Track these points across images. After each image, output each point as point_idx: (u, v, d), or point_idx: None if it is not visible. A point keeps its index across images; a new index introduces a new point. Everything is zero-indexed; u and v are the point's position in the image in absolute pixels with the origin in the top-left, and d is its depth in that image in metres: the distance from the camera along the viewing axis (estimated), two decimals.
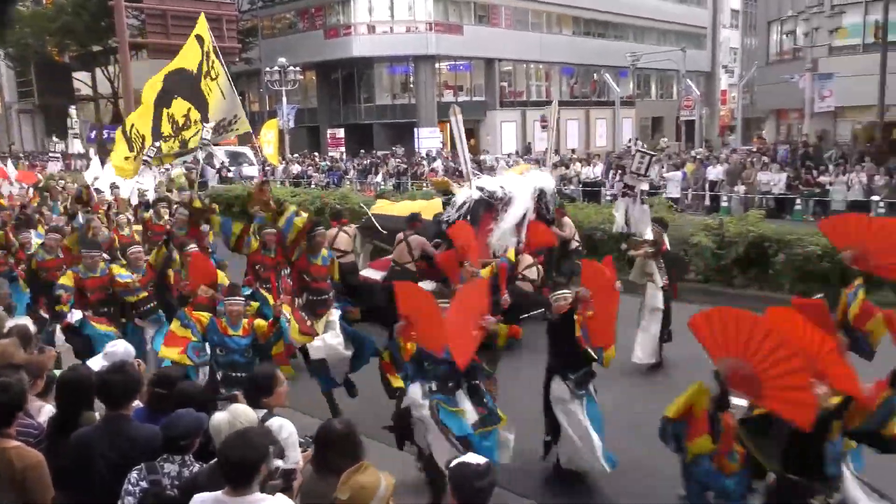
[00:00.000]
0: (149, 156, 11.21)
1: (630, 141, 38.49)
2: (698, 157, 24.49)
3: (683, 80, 40.41)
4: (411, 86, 40.29)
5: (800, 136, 26.55)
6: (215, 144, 19.13)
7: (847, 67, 25.05)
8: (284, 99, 32.87)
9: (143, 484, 3.41)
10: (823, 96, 24.46)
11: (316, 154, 34.49)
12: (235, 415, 3.63)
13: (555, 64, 45.25)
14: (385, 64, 40.44)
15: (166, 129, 11.07)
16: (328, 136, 37.30)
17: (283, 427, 3.99)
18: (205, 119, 10.65)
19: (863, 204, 18.75)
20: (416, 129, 36.52)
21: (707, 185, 21.79)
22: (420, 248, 9.32)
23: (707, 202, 21.28)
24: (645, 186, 8.38)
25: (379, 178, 27.53)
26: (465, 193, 9.83)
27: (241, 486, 3.03)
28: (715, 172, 21.93)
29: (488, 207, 9.68)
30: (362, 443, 3.51)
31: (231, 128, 11.28)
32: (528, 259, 8.99)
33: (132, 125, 11.60)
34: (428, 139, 35.14)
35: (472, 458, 3.08)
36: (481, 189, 9.76)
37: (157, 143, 11.13)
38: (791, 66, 28.21)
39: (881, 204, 18.50)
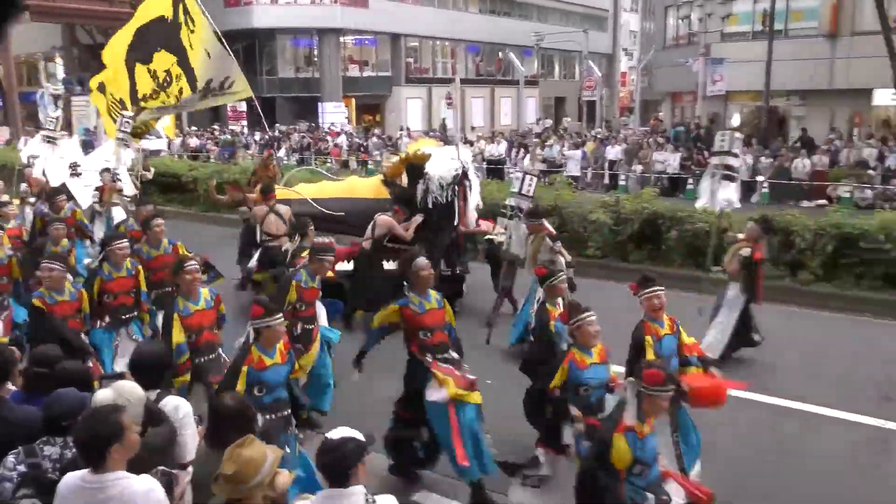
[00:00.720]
0: (123, 130, 10.23)
1: (537, 122, 39.22)
2: (598, 136, 25.16)
3: (585, 62, 41.35)
4: (315, 59, 39.44)
5: (693, 118, 27.66)
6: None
7: (737, 53, 26.23)
8: None
9: (21, 468, 3.24)
10: (715, 80, 25.53)
11: (215, 127, 33.31)
12: (120, 392, 3.48)
13: (461, 41, 45.30)
14: (288, 36, 39.36)
15: (145, 86, 10.13)
16: (228, 108, 36.08)
17: (179, 407, 3.90)
18: (191, 79, 9.69)
19: (749, 184, 19.78)
20: (320, 104, 35.85)
21: (606, 165, 22.45)
22: (386, 228, 8.61)
23: (606, 181, 21.93)
24: (527, 205, 8.23)
25: (282, 152, 26.88)
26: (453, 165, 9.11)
27: (97, 465, 2.95)
28: (613, 152, 22.61)
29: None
30: (255, 417, 3.45)
31: (224, 91, 10.24)
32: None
33: (108, 91, 10.77)
34: (333, 114, 34.60)
35: (337, 432, 3.08)
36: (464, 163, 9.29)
37: (129, 112, 10.24)
38: (686, 51, 29.30)
39: (765, 184, 19.57)
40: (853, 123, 25.32)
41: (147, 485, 3.03)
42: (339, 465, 2.99)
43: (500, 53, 46.49)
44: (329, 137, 28.52)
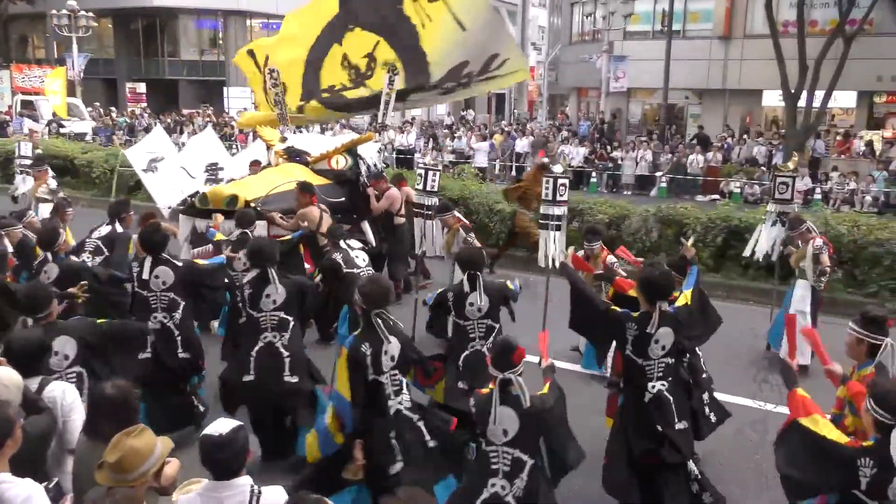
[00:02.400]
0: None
1: (447, 114, 39.35)
2: (505, 129, 25.56)
3: None
4: (220, 42, 38.27)
5: (598, 113, 28.49)
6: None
7: (639, 52, 27.18)
8: (75, 47, 29.88)
9: None
10: (618, 77, 26.38)
11: (113, 109, 31.85)
12: None
13: None
14: (191, 17, 38.04)
15: (337, 77, 7.85)
16: (127, 90, 34.59)
17: (66, 391, 3.80)
18: (415, 65, 7.05)
19: (649, 178, 20.58)
20: (225, 88, 34.82)
21: (514, 157, 22.84)
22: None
23: (513, 172, 22.32)
24: (434, 201, 7.76)
25: (184, 137, 25.99)
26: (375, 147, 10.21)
27: None
28: (521, 144, 23.04)
29: None
30: (138, 408, 3.35)
31: (490, 74, 7.49)
32: None
33: (270, 68, 8.73)
34: (238, 99, 33.60)
35: (217, 426, 3.04)
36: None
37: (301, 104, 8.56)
38: (591, 47, 30.12)
39: (663, 179, 20.40)
40: (745, 122, 26.70)
41: (27, 490, 2.88)
42: (231, 462, 2.94)
43: None
44: (234, 123, 27.73)
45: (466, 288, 5.30)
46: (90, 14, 30.52)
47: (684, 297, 4.67)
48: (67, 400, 3.76)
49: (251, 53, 9.47)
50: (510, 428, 3.64)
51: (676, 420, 4.45)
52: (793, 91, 19.15)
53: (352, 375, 4.15)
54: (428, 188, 7.66)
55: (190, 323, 5.78)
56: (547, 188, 7.15)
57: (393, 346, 4.27)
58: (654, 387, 4.42)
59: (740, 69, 25.66)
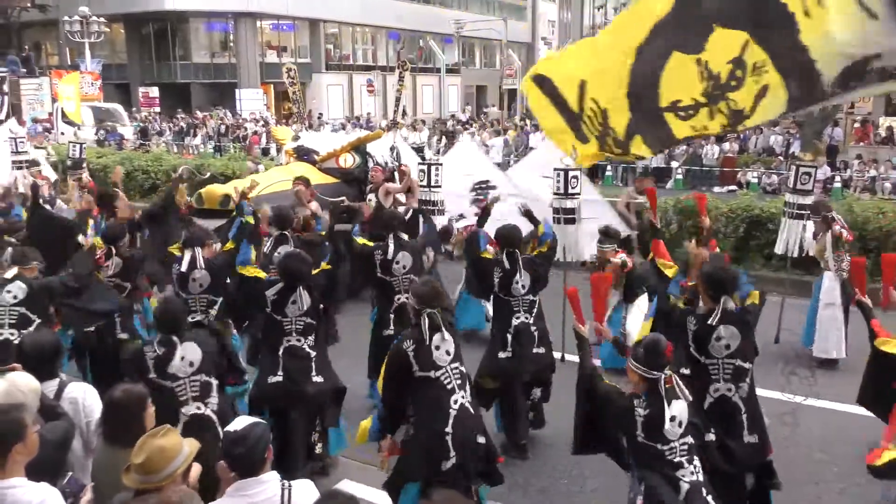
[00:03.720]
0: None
1: (462, 110, 39.26)
2: (518, 124, 25.42)
3: (506, 50, 41.68)
4: (231, 44, 38.36)
5: None
6: None
7: None
8: (88, 52, 30.09)
9: None
10: None
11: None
12: (13, 383, 3.27)
13: (381, 28, 44.91)
14: (202, 20, 38.15)
15: (686, 91, 6.05)
16: (140, 94, 34.73)
17: (87, 392, 3.80)
18: (800, 68, 5.33)
19: (665, 170, 20.37)
20: (237, 90, 34.93)
21: (528, 152, 22.66)
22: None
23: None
24: (441, 197, 7.98)
25: (198, 139, 26.11)
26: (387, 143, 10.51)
27: None
28: (535, 139, 22.87)
29: None
30: (143, 410, 3.29)
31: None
32: None
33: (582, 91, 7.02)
34: (250, 101, 33.75)
35: (235, 423, 3.00)
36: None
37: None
38: None
39: (679, 171, 20.19)
40: None
41: (41, 495, 2.82)
42: (251, 455, 2.88)
43: (421, 41, 46.32)
44: (247, 125, 27.82)
45: (507, 265, 5.51)
46: (102, 20, 30.73)
47: (752, 296, 4.51)
48: (88, 401, 3.76)
49: (539, 79, 7.81)
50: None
51: (746, 432, 4.29)
52: None
53: (388, 371, 4.18)
54: (432, 184, 7.66)
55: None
56: (559, 181, 7.15)
57: (447, 343, 4.20)
58: (716, 389, 4.27)
59: None
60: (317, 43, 40.69)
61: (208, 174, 11.65)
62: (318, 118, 28.77)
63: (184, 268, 5.53)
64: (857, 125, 22.89)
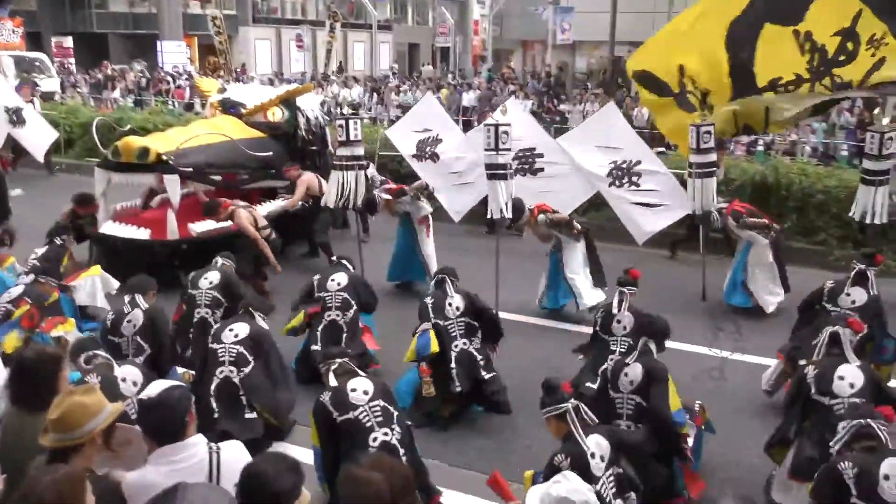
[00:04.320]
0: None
1: (391, 71, 38.57)
2: (451, 83, 25.15)
3: (438, 7, 41.05)
4: None
5: (544, 66, 28.25)
6: None
7: (585, 3, 26.93)
8: None
9: None
10: (563, 30, 26.14)
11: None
12: None
13: None
14: None
15: (786, 66, 6.00)
16: (53, 44, 32.75)
17: None
18: None
19: None
20: (159, 42, 33.31)
21: (460, 111, 22.50)
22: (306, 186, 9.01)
23: (460, 126, 21.97)
24: (360, 151, 7.62)
25: (116, 93, 24.86)
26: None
27: None
28: (468, 98, 22.70)
29: None
30: (59, 371, 3.07)
31: None
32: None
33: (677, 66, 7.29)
34: (173, 53, 32.23)
35: (149, 390, 2.87)
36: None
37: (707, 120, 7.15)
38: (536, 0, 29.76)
39: None
40: None
41: None
42: (167, 420, 2.72)
43: None
44: (170, 78, 26.63)
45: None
46: None
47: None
48: None
49: (639, 76, 8.18)
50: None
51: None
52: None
53: (315, 425, 4.21)
54: (351, 138, 7.47)
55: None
56: (489, 137, 7.16)
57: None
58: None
59: None
60: None
61: (128, 127, 11.10)
62: (242, 71, 27.72)
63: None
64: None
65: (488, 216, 7.60)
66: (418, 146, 9.17)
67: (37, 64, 24.86)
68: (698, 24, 7.08)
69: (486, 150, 7.37)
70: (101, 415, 2.63)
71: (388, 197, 8.15)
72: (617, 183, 8.42)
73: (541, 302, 7.70)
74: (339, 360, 4.25)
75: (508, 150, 7.39)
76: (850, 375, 4.20)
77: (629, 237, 8.71)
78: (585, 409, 3.77)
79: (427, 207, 8.27)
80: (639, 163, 8.30)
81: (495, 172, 7.33)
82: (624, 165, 8.38)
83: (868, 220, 7.53)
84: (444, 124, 9.27)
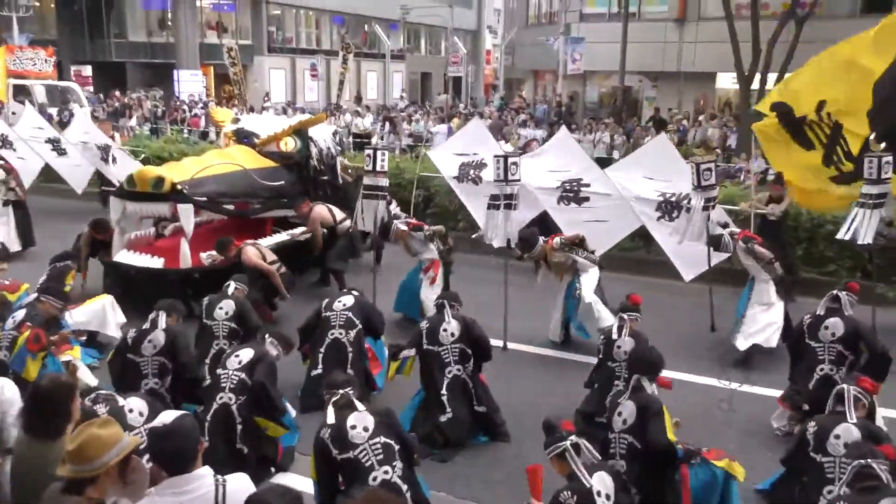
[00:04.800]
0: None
1: (401, 98, 38.94)
2: (463, 112, 25.38)
3: (451, 37, 41.54)
4: (169, 23, 37.18)
5: (555, 96, 28.47)
6: None
7: (595, 34, 27.20)
8: (16, 27, 28.80)
9: None
10: (574, 59, 26.37)
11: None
12: None
13: (325, 11, 44.19)
14: None
15: None
16: (72, 73, 33.36)
17: (5, 387, 3.66)
18: None
19: (606, 160, 20.60)
20: (175, 71, 33.89)
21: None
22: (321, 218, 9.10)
23: None
24: (385, 182, 7.80)
25: (133, 121, 25.22)
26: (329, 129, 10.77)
27: None
28: None
29: None
30: (73, 408, 3.12)
31: None
32: None
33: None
34: (189, 82, 32.79)
35: (162, 418, 2.91)
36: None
37: None
38: (547, 30, 30.08)
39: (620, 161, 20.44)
40: (699, 105, 26.98)
41: None
42: (180, 451, 2.76)
43: (366, 26, 45.75)
44: (186, 107, 27.02)
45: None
46: None
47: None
48: (6, 395, 3.60)
49: (777, 106, 8.21)
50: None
51: None
52: (746, 73, 19.34)
53: (315, 461, 4.22)
54: (378, 169, 7.58)
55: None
56: (498, 168, 7.25)
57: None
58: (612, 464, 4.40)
59: (695, 52, 25.87)
60: (259, 24, 39.77)
61: (142, 157, 11.30)
62: (265, 99, 28.08)
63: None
64: None
65: (495, 244, 7.63)
66: (461, 168, 9.37)
67: (68, 94, 25.04)
68: (854, 61, 7.65)
69: (495, 180, 7.45)
70: (117, 447, 2.68)
71: (405, 228, 8.11)
72: (667, 218, 8.33)
73: (553, 333, 7.68)
74: (341, 391, 4.22)
75: (518, 181, 7.47)
76: (845, 435, 4.16)
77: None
78: (588, 445, 3.78)
79: (434, 253, 8.05)
80: (689, 196, 8.13)
81: (506, 202, 7.40)
82: (673, 199, 8.27)
83: (859, 241, 7.61)
84: (490, 149, 9.26)
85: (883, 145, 7.84)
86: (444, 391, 5.43)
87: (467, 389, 5.52)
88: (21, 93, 24.08)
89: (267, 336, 5.35)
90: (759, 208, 9.00)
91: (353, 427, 4.04)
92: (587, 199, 8.72)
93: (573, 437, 3.70)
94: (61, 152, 12.05)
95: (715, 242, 7.66)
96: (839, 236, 7.88)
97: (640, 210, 8.50)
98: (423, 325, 5.67)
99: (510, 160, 7.35)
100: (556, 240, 7.47)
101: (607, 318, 7.15)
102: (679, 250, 8.38)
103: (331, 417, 4.12)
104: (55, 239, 9.28)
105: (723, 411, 6.24)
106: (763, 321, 7.13)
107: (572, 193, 8.79)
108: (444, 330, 5.55)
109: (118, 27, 37.00)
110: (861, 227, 7.49)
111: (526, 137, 21.36)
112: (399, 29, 44.74)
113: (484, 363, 5.73)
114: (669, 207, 8.32)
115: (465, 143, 9.58)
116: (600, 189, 8.67)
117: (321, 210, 9.07)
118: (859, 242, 7.60)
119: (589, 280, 7.36)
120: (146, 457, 2.93)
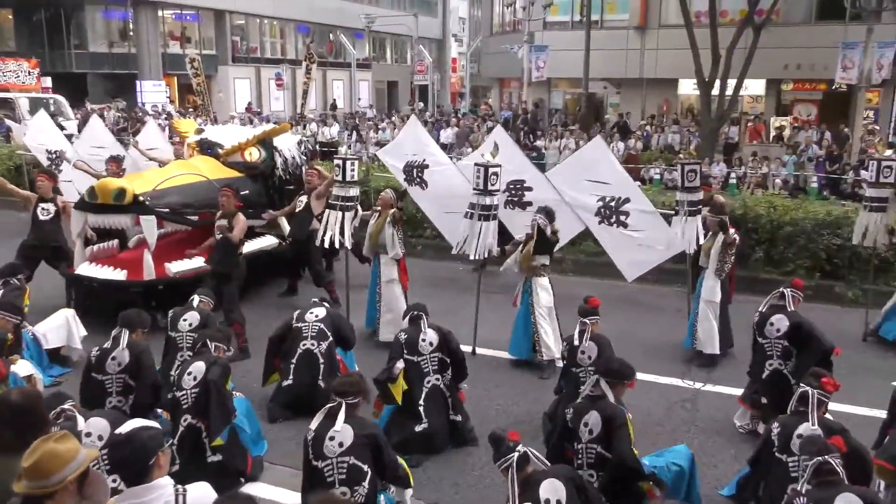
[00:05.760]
0: None
1: (365, 104, 38.89)
2: (429, 120, 25.46)
3: (417, 46, 41.67)
4: (131, 33, 36.75)
5: (521, 103, 28.68)
6: None
7: (559, 42, 27.49)
8: None
9: None
10: (539, 67, 26.59)
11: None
12: None
13: (290, 21, 44.04)
14: (99, 7, 36.37)
15: None
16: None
17: None
18: None
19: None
20: (138, 82, 33.51)
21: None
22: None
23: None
24: (355, 192, 7.57)
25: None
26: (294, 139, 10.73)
27: None
28: (445, 135, 22.98)
29: None
30: (47, 418, 3.09)
31: None
32: None
33: None
34: (152, 93, 32.46)
35: (122, 427, 2.91)
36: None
37: None
38: (512, 38, 30.29)
39: None
40: (661, 110, 27.39)
41: None
42: (135, 459, 2.75)
43: (332, 35, 45.69)
44: (149, 118, 26.68)
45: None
46: None
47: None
48: None
49: None
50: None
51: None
52: (706, 80, 19.70)
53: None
54: (347, 178, 7.50)
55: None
56: (478, 177, 7.17)
57: (430, 335, 5.55)
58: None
59: (657, 59, 26.26)
60: (223, 34, 39.47)
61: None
62: (247, 110, 27.85)
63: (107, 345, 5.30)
64: (750, 124, 24.08)
65: (472, 256, 7.43)
66: (406, 169, 9.26)
67: (52, 105, 23.85)
68: None
69: (474, 190, 7.29)
70: (74, 462, 2.65)
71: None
72: (606, 222, 8.42)
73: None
74: (340, 401, 4.17)
75: (497, 191, 7.34)
76: (807, 435, 4.21)
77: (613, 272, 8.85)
78: (535, 454, 3.77)
79: (400, 249, 7.79)
80: (627, 201, 8.31)
81: (482, 213, 7.21)
82: (612, 203, 8.37)
83: (866, 244, 7.91)
84: (429, 150, 9.29)
85: (889, 151, 8.13)
86: (421, 401, 5.45)
87: (445, 399, 5.56)
88: (4, 106, 23.17)
89: (209, 341, 5.21)
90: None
91: (331, 438, 4.05)
92: (531, 203, 8.60)
93: (520, 448, 3.68)
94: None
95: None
96: (854, 242, 8.14)
97: (582, 212, 8.57)
98: (402, 336, 5.65)
99: (491, 170, 7.18)
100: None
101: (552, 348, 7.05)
102: (620, 251, 8.49)
103: (316, 422, 4.14)
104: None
105: (686, 411, 6.34)
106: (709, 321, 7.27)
107: (516, 198, 8.82)
108: (423, 340, 5.55)
109: (78, 38, 36.47)
110: (688, 233, 7.77)
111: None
112: (364, 38, 44.74)
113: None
114: (608, 212, 8.41)
115: (406, 145, 9.47)
116: (543, 194, 8.59)
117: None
118: (688, 251, 7.86)
119: (545, 296, 7.19)
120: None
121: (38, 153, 11.98)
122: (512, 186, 8.80)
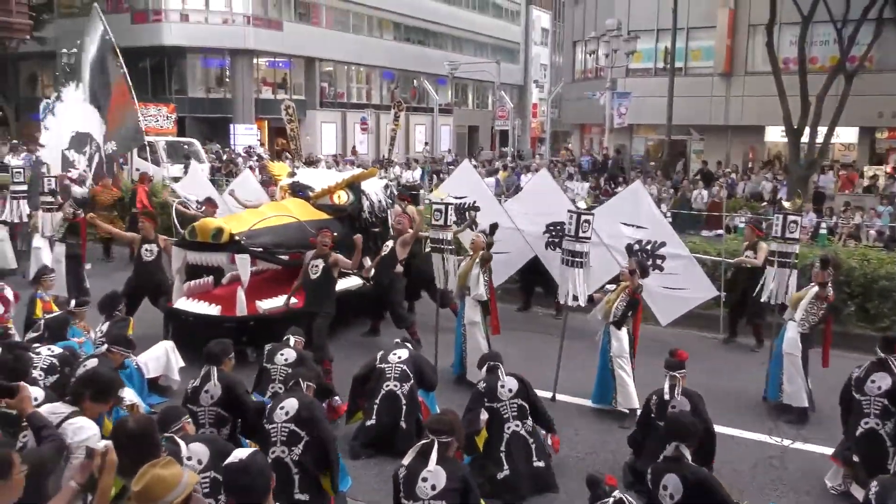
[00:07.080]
0: None
1: (448, 151, 39.61)
2: (509, 165, 25.71)
3: (498, 92, 42.30)
4: (227, 80, 38.75)
5: (601, 149, 28.67)
6: None
7: (641, 88, 27.46)
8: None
9: None
10: (621, 113, 26.57)
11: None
12: None
13: (375, 67, 45.55)
14: (199, 55, 38.55)
15: None
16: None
17: (84, 429, 3.76)
18: None
19: None
20: (231, 125, 35.19)
21: (518, 192, 22.89)
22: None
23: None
24: (448, 236, 7.81)
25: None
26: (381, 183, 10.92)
27: None
28: (525, 180, 23.12)
29: None
30: (159, 444, 3.31)
31: None
32: None
33: None
34: (244, 135, 33.99)
35: (236, 454, 3.02)
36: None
37: None
38: (593, 84, 30.40)
39: (667, 214, 20.40)
40: (748, 158, 26.86)
41: None
42: (253, 485, 2.90)
43: (415, 81, 46.93)
44: (241, 160, 27.96)
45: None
46: None
47: None
48: (81, 436, 3.70)
49: None
50: None
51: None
52: (795, 127, 19.29)
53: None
54: (448, 223, 7.78)
55: None
56: (570, 224, 7.25)
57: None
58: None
59: (742, 105, 25.88)
60: (312, 80, 41.15)
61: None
62: (353, 153, 28.61)
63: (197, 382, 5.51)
64: (842, 173, 23.30)
65: (558, 300, 7.45)
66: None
67: (186, 148, 24.92)
68: None
69: (566, 236, 7.40)
70: (179, 487, 2.84)
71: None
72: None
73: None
74: (433, 438, 4.18)
75: (588, 238, 7.33)
76: None
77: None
78: (630, 499, 3.76)
79: (483, 291, 7.79)
80: (663, 244, 8.38)
81: (572, 259, 7.27)
82: (648, 247, 8.40)
83: None
84: (480, 192, 9.71)
85: (790, 204, 7.84)
86: (503, 448, 5.47)
87: (527, 445, 5.55)
88: (144, 149, 23.27)
89: (301, 380, 5.31)
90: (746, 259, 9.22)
91: (424, 479, 4.09)
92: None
93: (616, 493, 3.69)
94: None
95: None
96: (762, 298, 7.61)
97: (617, 255, 8.57)
98: (481, 385, 5.69)
99: (583, 217, 7.25)
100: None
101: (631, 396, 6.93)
102: (655, 296, 8.45)
103: (408, 458, 4.18)
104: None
105: (774, 468, 6.15)
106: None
107: (557, 239, 9.03)
108: (502, 386, 5.59)
109: (179, 84, 38.65)
110: (777, 287, 7.39)
111: (573, 191, 21.55)
112: (447, 84, 45.75)
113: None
114: (645, 256, 8.42)
115: (456, 187, 9.90)
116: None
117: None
118: (773, 302, 7.46)
119: (617, 345, 7.05)
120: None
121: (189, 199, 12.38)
122: (552, 228, 9.05)
